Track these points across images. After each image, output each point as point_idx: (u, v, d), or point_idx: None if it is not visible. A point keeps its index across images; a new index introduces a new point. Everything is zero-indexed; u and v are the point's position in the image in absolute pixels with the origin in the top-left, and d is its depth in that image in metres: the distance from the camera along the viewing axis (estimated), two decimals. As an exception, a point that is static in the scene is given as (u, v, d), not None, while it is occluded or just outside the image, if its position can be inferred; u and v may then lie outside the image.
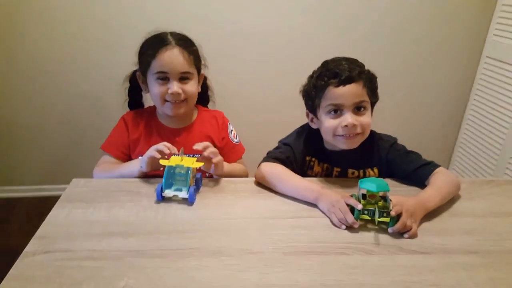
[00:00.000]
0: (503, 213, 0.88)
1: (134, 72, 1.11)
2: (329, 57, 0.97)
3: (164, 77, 1.01)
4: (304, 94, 1.00)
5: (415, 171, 0.96)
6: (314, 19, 1.78)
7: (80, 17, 1.67)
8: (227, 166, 1.05)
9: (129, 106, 1.16)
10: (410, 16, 1.81)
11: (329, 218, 0.82)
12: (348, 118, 0.90)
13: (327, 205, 0.83)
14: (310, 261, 0.70)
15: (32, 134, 1.89)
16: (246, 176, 1.13)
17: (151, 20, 1.63)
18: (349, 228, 0.79)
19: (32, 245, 0.71)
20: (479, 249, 0.75)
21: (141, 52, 1.06)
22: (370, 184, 0.80)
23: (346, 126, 0.90)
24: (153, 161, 0.93)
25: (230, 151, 1.15)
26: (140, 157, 0.99)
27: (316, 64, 0.98)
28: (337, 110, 0.92)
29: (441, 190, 0.88)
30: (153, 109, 1.13)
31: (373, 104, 0.97)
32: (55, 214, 0.81)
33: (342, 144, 0.95)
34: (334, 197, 0.83)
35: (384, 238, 0.77)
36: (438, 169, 0.94)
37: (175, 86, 1.00)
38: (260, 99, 1.92)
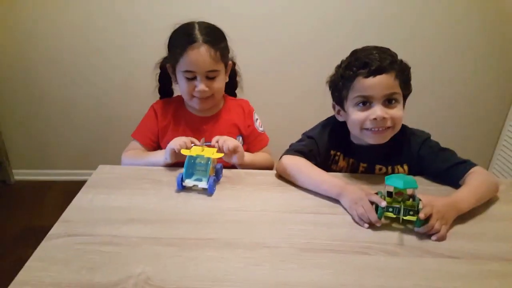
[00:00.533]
0: (544, 219, 0.80)
1: (165, 59, 1.12)
2: (358, 46, 0.92)
3: (191, 75, 1.01)
4: (331, 84, 0.96)
5: (448, 170, 0.90)
6: (346, 7, 1.71)
7: (108, 11, 1.74)
8: (249, 156, 1.04)
9: (159, 92, 1.17)
10: (454, 9, 1.69)
11: (351, 215, 0.79)
12: (377, 110, 0.85)
13: (349, 202, 0.80)
14: (327, 259, 0.67)
15: (68, 121, 1.99)
16: (272, 165, 1.12)
17: (177, 6, 1.67)
18: (372, 226, 0.75)
19: (56, 228, 0.74)
20: (515, 257, 0.69)
21: (170, 45, 1.05)
22: (397, 180, 0.75)
23: (375, 119, 0.86)
24: (177, 153, 0.94)
25: (255, 139, 1.16)
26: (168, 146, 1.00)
27: (344, 54, 0.94)
28: (366, 102, 0.87)
29: (477, 191, 0.82)
30: (181, 98, 1.14)
31: (405, 97, 0.91)
32: (80, 199, 0.84)
33: (369, 139, 0.90)
34: (358, 193, 0.80)
35: (409, 239, 0.73)
36: (474, 168, 0.88)
37: (202, 85, 1.01)
38: (285, 90, 1.89)
